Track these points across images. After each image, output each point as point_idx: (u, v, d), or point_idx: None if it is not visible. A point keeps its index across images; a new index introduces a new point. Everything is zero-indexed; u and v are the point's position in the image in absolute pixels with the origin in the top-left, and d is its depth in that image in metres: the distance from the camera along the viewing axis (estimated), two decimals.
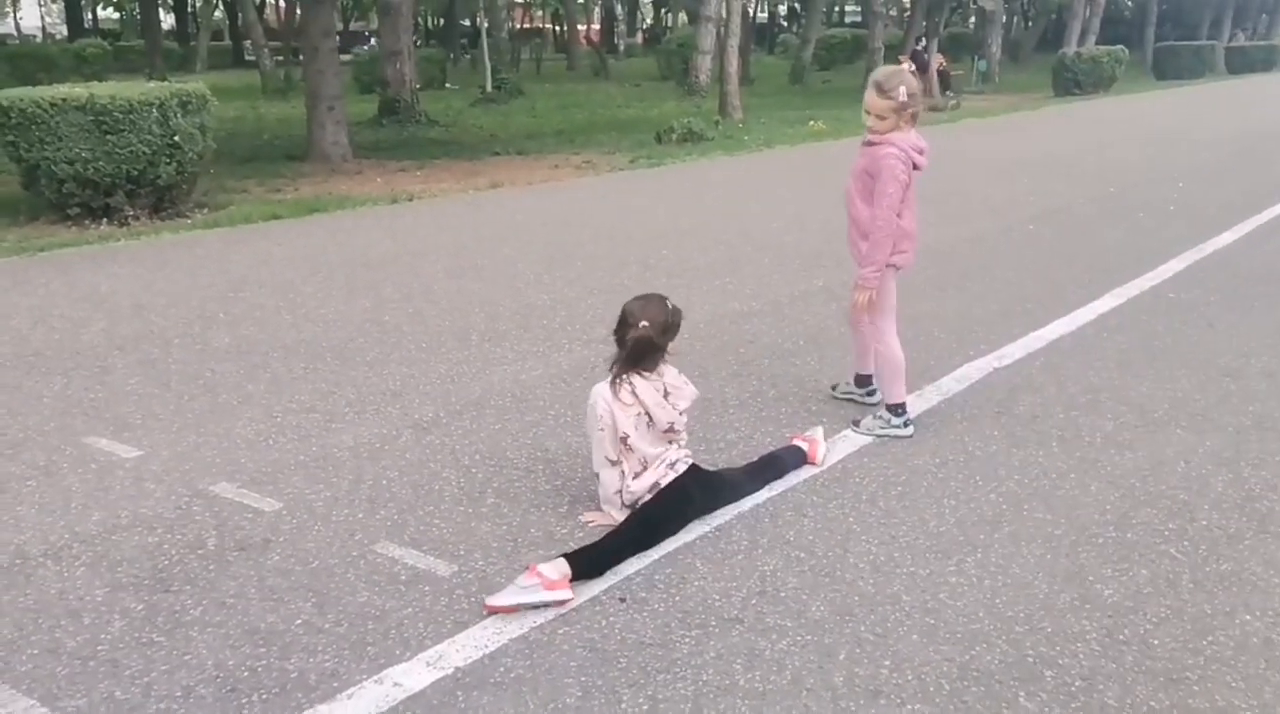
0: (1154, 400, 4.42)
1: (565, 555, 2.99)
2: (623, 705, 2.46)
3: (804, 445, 3.78)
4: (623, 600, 2.93)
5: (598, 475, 3.34)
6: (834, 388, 4.55)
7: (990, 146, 14.43)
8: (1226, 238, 7.83)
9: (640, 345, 3.25)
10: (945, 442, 4.01)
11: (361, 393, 4.65)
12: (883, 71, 3.89)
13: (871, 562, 3.11)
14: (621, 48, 46.90)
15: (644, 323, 3.24)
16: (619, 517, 3.30)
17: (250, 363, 5.07)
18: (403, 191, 10.63)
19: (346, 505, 3.54)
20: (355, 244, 8.06)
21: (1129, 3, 43.95)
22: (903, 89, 3.77)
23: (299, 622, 2.83)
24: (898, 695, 2.48)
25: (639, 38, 58.68)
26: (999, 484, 3.63)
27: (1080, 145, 14.55)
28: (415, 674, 2.60)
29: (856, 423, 4.14)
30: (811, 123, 16.88)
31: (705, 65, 24.05)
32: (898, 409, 4.07)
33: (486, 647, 2.71)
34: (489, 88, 24.65)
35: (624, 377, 3.27)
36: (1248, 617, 2.78)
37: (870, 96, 3.83)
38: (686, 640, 2.73)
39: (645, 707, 2.45)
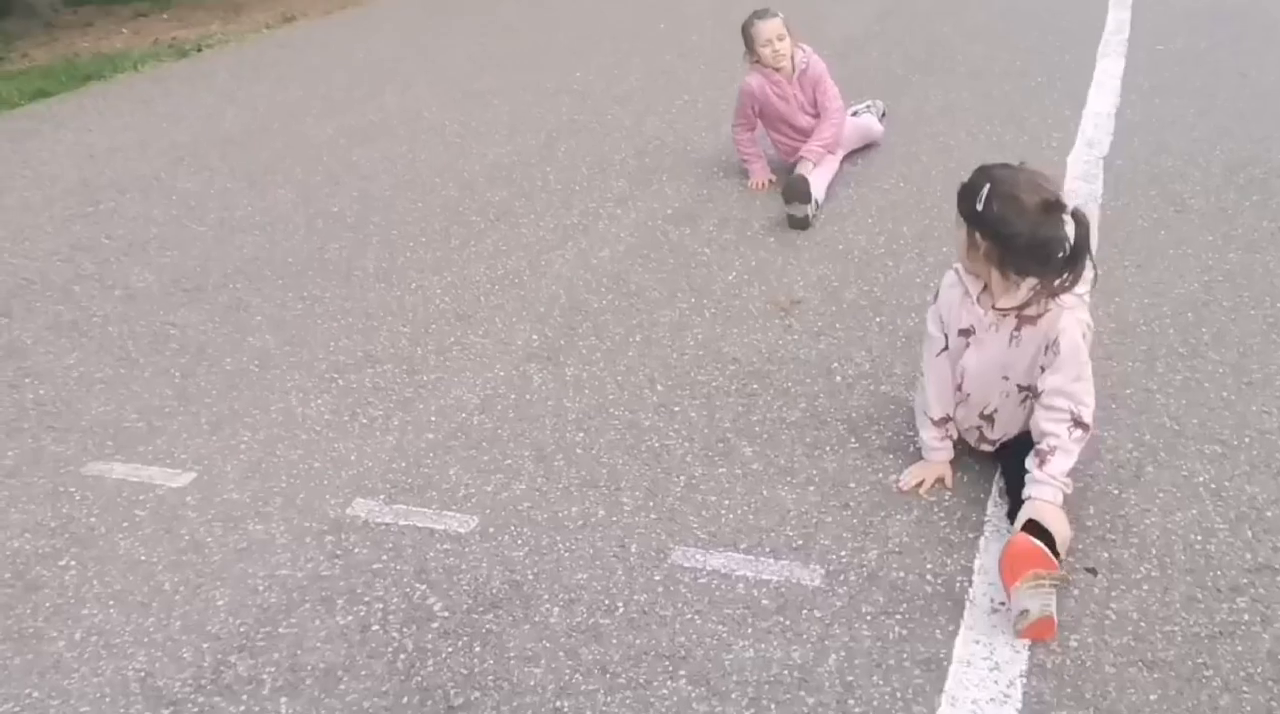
0: None
1: (1026, 529, 2.16)
2: None
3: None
4: (1092, 572, 2.26)
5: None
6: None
7: None
8: None
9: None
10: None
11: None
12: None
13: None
14: None
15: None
16: None
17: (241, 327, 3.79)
18: (177, 41, 8.49)
19: (550, 502, 2.61)
20: (199, 117, 6.18)
21: None
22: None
23: (770, 674, 2.06)
24: None
25: None
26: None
27: None
28: None
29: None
30: None
31: None
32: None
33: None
34: None
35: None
36: None
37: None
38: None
39: None
